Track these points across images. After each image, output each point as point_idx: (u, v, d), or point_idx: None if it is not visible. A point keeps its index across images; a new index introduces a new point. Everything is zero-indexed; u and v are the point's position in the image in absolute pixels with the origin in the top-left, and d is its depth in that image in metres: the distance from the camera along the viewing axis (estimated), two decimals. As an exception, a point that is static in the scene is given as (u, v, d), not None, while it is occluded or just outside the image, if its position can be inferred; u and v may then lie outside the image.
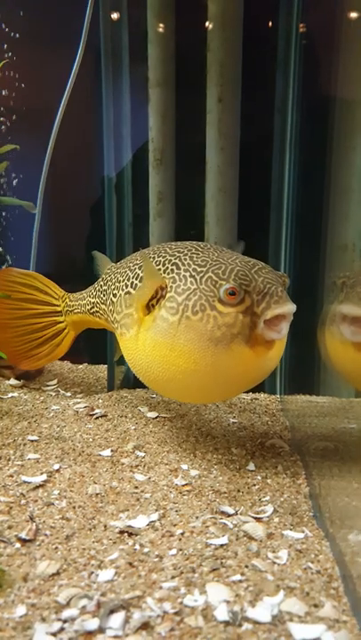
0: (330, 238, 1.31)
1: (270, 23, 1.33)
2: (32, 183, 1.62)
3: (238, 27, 1.28)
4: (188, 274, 0.87)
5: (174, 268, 0.90)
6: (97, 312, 1.19)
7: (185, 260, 0.90)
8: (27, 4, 1.61)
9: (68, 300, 1.31)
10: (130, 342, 0.94)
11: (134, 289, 0.98)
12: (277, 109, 1.37)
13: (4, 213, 1.71)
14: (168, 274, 0.89)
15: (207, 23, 1.29)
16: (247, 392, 1.45)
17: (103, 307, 1.15)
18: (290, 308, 0.83)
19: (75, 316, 1.28)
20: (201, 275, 0.86)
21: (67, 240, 1.74)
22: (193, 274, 0.87)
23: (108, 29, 1.41)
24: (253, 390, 1.46)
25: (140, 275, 0.97)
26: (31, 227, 1.64)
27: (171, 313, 0.85)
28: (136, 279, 0.99)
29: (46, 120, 1.59)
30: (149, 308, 0.90)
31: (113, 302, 1.08)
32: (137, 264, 1.03)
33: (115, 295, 1.07)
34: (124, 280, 1.05)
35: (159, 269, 0.91)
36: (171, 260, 0.91)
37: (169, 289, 0.87)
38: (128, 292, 0.99)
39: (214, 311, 0.83)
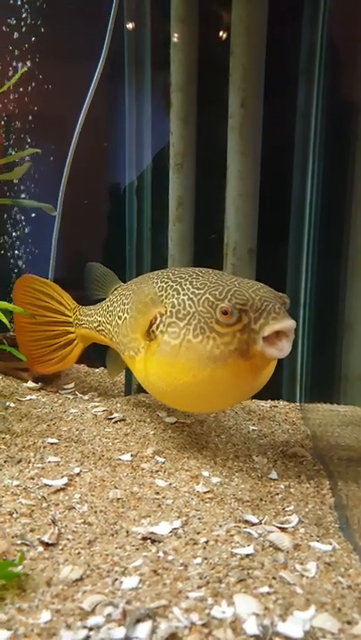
0: (352, 244, 1.29)
1: (294, 28, 1.33)
2: (52, 187, 1.64)
3: (262, 31, 1.28)
4: (186, 297, 0.91)
5: (175, 293, 0.94)
6: (102, 331, 1.23)
7: (185, 284, 0.94)
8: (49, 12, 1.64)
9: (78, 313, 1.34)
10: (139, 364, 0.99)
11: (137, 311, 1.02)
12: (300, 114, 1.36)
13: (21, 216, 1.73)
14: (169, 299, 0.93)
15: (231, 28, 1.29)
16: (266, 399, 1.43)
17: (108, 327, 1.19)
18: (288, 323, 0.83)
19: (83, 330, 1.32)
20: (199, 297, 0.90)
21: (86, 244, 1.75)
22: (191, 296, 0.91)
23: (132, 35, 1.43)
24: (272, 398, 1.44)
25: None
26: (50, 231, 1.65)
27: (173, 337, 0.90)
28: None
29: (68, 126, 1.61)
30: (149, 333, 0.94)
31: (118, 324, 1.12)
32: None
33: (120, 317, 1.12)
34: (129, 303, 1.09)
35: (161, 295, 0.96)
36: (172, 286, 0.95)
37: (169, 314, 0.91)
38: (133, 317, 1.03)
39: (213, 333, 0.86)
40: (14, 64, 1.65)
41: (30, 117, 1.70)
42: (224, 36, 1.39)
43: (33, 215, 1.73)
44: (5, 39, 1.64)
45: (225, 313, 0.85)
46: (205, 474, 0.93)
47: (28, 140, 1.70)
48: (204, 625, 0.54)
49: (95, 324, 1.26)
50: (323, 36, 1.29)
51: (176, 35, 1.38)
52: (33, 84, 1.66)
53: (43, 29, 1.63)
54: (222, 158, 1.38)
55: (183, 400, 0.97)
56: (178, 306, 0.91)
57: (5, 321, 1.08)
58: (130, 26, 1.43)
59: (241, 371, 0.86)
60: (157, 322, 0.93)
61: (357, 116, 1.23)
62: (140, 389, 1.47)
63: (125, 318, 1.08)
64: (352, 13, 1.20)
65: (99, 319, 1.24)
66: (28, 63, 1.63)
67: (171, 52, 1.40)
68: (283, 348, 0.83)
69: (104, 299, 1.30)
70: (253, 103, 1.31)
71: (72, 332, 1.35)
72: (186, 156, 1.43)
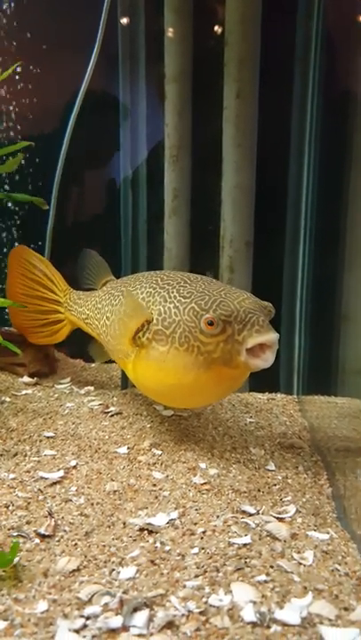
0: (349, 236, 1.29)
1: (290, 18, 1.32)
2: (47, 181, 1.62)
3: (257, 21, 1.27)
4: (172, 305, 0.93)
5: (162, 300, 0.95)
6: (90, 324, 1.25)
7: (172, 292, 0.95)
8: (43, 7, 1.62)
9: (68, 297, 1.35)
10: (129, 365, 1.02)
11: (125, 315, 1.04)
12: (296, 105, 1.35)
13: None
14: (155, 306, 0.95)
15: (225, 18, 1.28)
16: (263, 392, 1.43)
17: (96, 322, 1.21)
18: (271, 337, 0.85)
19: (71, 316, 1.33)
20: (185, 306, 0.91)
21: (81, 237, 1.74)
22: (177, 305, 0.92)
23: (125, 27, 1.41)
24: (270, 390, 1.44)
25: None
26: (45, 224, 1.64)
27: (161, 345, 0.92)
28: None
29: (62, 118, 1.59)
30: (136, 340, 0.96)
31: (107, 325, 1.14)
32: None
33: (108, 318, 1.14)
34: (117, 304, 1.10)
35: (148, 300, 0.97)
36: (160, 293, 0.97)
37: (155, 322, 0.93)
38: (121, 320, 1.04)
39: (197, 342, 0.88)
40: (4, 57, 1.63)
41: (23, 110, 1.68)
42: (219, 26, 1.38)
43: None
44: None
45: (210, 324, 0.87)
46: (203, 466, 0.92)
47: (20, 132, 1.68)
48: (201, 613, 0.54)
49: (83, 316, 1.27)
50: (318, 26, 1.28)
51: (170, 26, 1.37)
52: (25, 78, 1.64)
53: (35, 22, 1.61)
54: (218, 150, 1.37)
55: (169, 397, 1.03)
56: (164, 314, 0.93)
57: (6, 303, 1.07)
58: (124, 19, 1.42)
59: (223, 377, 0.90)
60: (144, 329, 0.95)
61: (354, 107, 1.22)
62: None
63: (114, 320, 1.10)
64: (348, 3, 1.19)
65: (87, 312, 1.25)
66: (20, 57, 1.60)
67: (165, 43, 1.39)
68: (267, 359, 0.86)
69: (93, 288, 1.31)
70: (249, 94, 1.31)
71: (61, 313, 1.36)
72: (181, 148, 1.42)
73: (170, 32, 1.38)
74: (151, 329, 0.93)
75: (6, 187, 1.69)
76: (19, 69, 1.33)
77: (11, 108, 1.67)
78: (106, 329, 1.14)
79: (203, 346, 0.87)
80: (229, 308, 0.87)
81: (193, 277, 0.99)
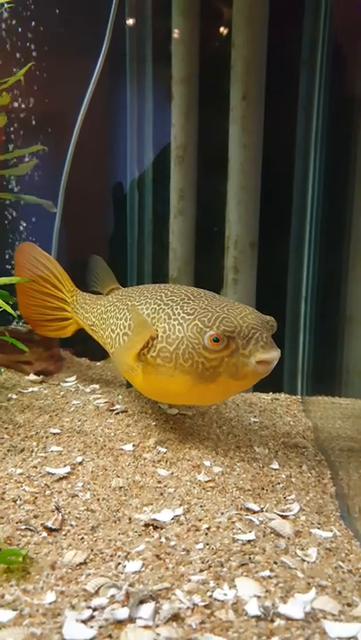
0: (354, 237, 1.29)
1: (296, 20, 1.33)
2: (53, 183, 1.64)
3: (264, 23, 1.27)
4: (176, 322, 0.95)
5: (166, 317, 0.97)
6: (95, 331, 1.27)
7: (176, 309, 0.97)
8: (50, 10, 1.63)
9: (75, 299, 1.36)
10: (137, 377, 1.04)
11: (131, 331, 1.06)
12: (302, 106, 1.36)
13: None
14: (160, 323, 0.97)
15: (232, 20, 1.29)
16: (267, 392, 1.44)
17: (101, 332, 1.23)
18: (273, 355, 0.89)
19: (78, 318, 1.35)
20: (188, 322, 0.94)
21: (87, 238, 1.75)
22: (181, 321, 0.95)
23: (133, 29, 1.43)
24: (273, 390, 1.44)
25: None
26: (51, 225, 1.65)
27: (166, 362, 0.95)
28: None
29: (67, 122, 1.61)
30: (140, 356, 0.99)
31: (112, 337, 1.16)
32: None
33: (113, 331, 1.16)
34: (122, 318, 1.12)
35: (153, 317, 0.99)
36: (164, 309, 0.99)
37: (160, 339, 0.95)
38: (126, 334, 1.07)
39: (202, 358, 0.91)
40: (16, 58, 1.64)
41: (31, 111, 1.69)
42: (226, 28, 1.39)
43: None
44: (6, 34, 1.63)
45: (216, 341, 0.89)
46: (207, 463, 0.93)
47: (29, 136, 1.70)
48: (206, 606, 0.55)
49: (89, 322, 1.29)
50: (325, 28, 1.29)
51: (177, 28, 1.38)
52: (33, 79, 1.66)
53: (43, 24, 1.62)
54: (224, 151, 1.38)
55: (175, 401, 1.08)
56: (168, 331, 0.95)
57: (11, 311, 1.09)
58: (130, 20, 1.43)
59: (230, 386, 0.93)
60: (149, 345, 0.97)
61: (359, 108, 1.23)
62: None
63: (119, 334, 1.11)
64: (354, 5, 1.19)
65: (93, 319, 1.28)
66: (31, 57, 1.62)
67: (172, 45, 1.40)
68: (270, 367, 0.90)
69: (99, 292, 1.33)
70: (255, 95, 1.31)
71: (68, 312, 1.38)
72: (187, 149, 1.43)
73: (177, 34, 1.39)
74: (156, 346, 0.95)
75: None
76: (22, 70, 1.34)
77: (17, 109, 1.69)
78: (110, 340, 1.16)
79: (207, 361, 0.90)
80: (232, 324, 0.89)
81: (197, 293, 1.01)
